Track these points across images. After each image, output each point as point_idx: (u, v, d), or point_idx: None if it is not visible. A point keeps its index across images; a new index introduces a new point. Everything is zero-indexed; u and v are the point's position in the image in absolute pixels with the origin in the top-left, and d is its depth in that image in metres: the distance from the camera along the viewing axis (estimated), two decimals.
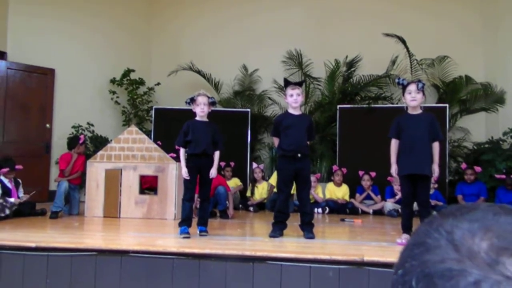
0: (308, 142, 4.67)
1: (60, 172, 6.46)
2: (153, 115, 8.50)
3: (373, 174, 7.23)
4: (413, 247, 0.48)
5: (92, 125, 8.37)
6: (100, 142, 8.12)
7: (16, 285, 3.70)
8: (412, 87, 4.22)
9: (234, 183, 7.48)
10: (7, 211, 5.61)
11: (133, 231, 4.98)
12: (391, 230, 5.17)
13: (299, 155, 4.43)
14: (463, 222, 0.47)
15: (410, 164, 4.21)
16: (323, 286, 3.40)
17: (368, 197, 7.29)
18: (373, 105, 7.98)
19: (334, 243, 4.43)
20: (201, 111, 4.49)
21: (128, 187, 6.01)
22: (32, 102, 7.90)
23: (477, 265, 0.42)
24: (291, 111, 4.57)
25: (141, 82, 8.97)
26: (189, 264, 3.59)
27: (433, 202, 6.17)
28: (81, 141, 6.51)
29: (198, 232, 4.47)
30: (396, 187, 6.69)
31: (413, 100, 4.21)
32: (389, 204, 6.81)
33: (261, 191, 7.52)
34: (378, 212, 6.93)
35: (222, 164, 7.30)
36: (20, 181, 6.20)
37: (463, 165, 7.18)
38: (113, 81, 8.75)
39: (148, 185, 6.59)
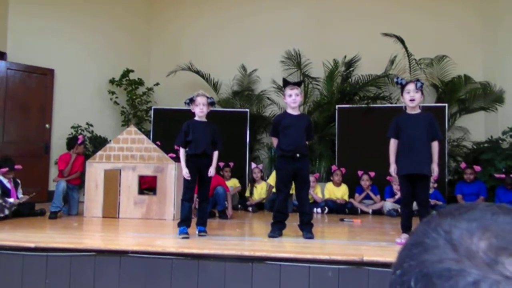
0: (307, 142, 4.67)
1: (59, 173, 6.46)
2: (152, 115, 8.49)
3: (372, 174, 7.23)
4: (411, 247, 0.48)
5: (91, 125, 8.37)
6: (99, 143, 8.12)
7: (15, 285, 3.69)
8: (410, 87, 4.22)
9: (233, 183, 7.48)
10: (6, 212, 5.61)
11: (132, 231, 4.98)
12: (391, 230, 5.17)
13: (298, 155, 4.43)
14: (462, 222, 0.47)
15: (409, 164, 4.21)
16: (322, 286, 3.40)
17: (368, 197, 7.29)
18: (372, 105, 7.98)
19: (333, 243, 4.43)
20: (200, 111, 4.49)
21: (127, 188, 6.00)
22: (31, 102, 7.90)
23: (476, 265, 0.42)
24: (290, 111, 4.57)
25: (140, 82, 8.97)
26: (188, 264, 3.59)
27: (432, 201, 6.17)
28: (79, 141, 6.51)
29: (197, 232, 4.47)
30: (396, 187, 6.69)
31: (412, 99, 4.21)
32: (389, 204, 6.81)
33: (260, 191, 7.51)
34: (378, 212, 6.93)
35: (221, 164, 7.30)
36: (19, 181, 6.20)
37: (463, 165, 7.18)
38: (112, 81, 8.75)
39: (147, 186, 6.59)
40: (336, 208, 7.00)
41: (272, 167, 8.14)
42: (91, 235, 4.88)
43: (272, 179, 7.16)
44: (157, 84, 9.01)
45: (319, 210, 6.96)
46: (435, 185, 6.81)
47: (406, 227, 4.26)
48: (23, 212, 5.86)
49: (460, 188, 7.07)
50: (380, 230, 5.44)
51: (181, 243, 4.03)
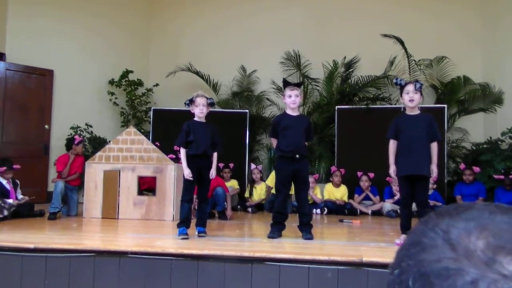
0: (306, 143, 4.67)
1: (58, 174, 6.45)
2: (151, 116, 8.49)
3: (371, 175, 7.24)
4: (409, 247, 0.48)
5: (91, 126, 8.36)
6: (98, 143, 8.12)
7: (14, 286, 3.69)
8: (410, 87, 4.22)
9: (232, 185, 7.47)
10: (6, 212, 5.60)
11: (131, 232, 4.97)
12: (390, 231, 5.17)
13: (297, 156, 4.43)
14: (459, 221, 0.47)
15: (408, 165, 4.21)
16: (321, 287, 3.40)
17: (367, 198, 7.30)
18: (371, 106, 7.99)
19: (333, 243, 4.43)
20: (200, 112, 4.48)
21: (127, 188, 6.00)
22: (31, 103, 7.90)
23: (474, 264, 0.42)
24: (289, 112, 4.57)
25: (139, 83, 8.97)
26: (188, 265, 3.59)
27: (431, 202, 6.17)
28: (76, 142, 6.49)
29: (196, 233, 4.46)
30: (395, 188, 6.69)
31: (411, 100, 4.21)
32: (388, 205, 6.82)
33: (259, 192, 7.51)
34: (377, 213, 6.93)
35: (221, 165, 7.30)
36: (18, 182, 6.19)
37: (462, 166, 7.18)
38: (111, 82, 8.75)
39: (147, 186, 6.58)
40: (336, 209, 7.00)
41: (271, 168, 8.14)
42: (91, 236, 4.88)
43: (270, 180, 7.17)
44: (157, 85, 9.01)
45: (318, 211, 6.96)
46: (435, 186, 6.81)
47: (405, 228, 4.26)
48: (22, 213, 5.85)
49: (459, 189, 7.08)
50: (380, 231, 5.44)
51: (180, 244, 4.03)
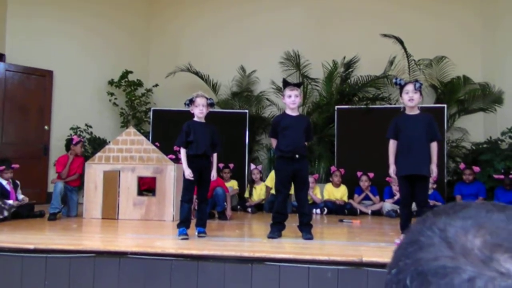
0: (306, 143, 4.67)
1: (58, 175, 6.45)
2: (151, 117, 8.49)
3: (371, 174, 7.24)
4: (406, 246, 0.48)
5: (91, 126, 8.36)
6: (98, 144, 8.12)
7: (14, 286, 3.69)
8: (409, 87, 4.22)
9: (232, 185, 7.47)
10: (6, 213, 5.60)
11: (131, 232, 4.97)
12: (390, 231, 5.17)
13: (297, 156, 4.43)
14: (456, 220, 0.47)
15: (408, 165, 4.21)
16: (321, 287, 3.40)
17: (367, 198, 7.30)
18: (371, 106, 7.99)
19: (333, 243, 4.43)
20: (200, 112, 4.48)
21: (126, 189, 6.00)
22: (30, 103, 7.90)
23: (471, 262, 0.42)
24: (289, 112, 4.57)
25: (139, 83, 8.97)
26: (188, 265, 3.59)
27: (431, 202, 6.17)
28: (74, 142, 6.49)
29: (196, 233, 4.46)
30: (395, 188, 6.69)
31: (411, 99, 4.21)
32: (388, 205, 6.82)
33: (259, 192, 7.51)
34: (377, 213, 6.93)
35: (221, 165, 7.30)
36: (18, 182, 6.19)
37: (462, 165, 7.18)
38: (111, 82, 8.75)
39: (146, 187, 6.58)
40: (335, 209, 7.00)
41: (271, 168, 8.14)
42: (91, 237, 4.88)
43: (269, 181, 7.17)
44: (156, 85, 9.01)
45: (318, 211, 6.96)
46: (434, 185, 6.81)
47: (405, 228, 4.25)
48: (22, 213, 5.85)
49: (459, 188, 7.07)
50: (379, 231, 5.44)
51: (180, 244, 4.03)
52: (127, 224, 5.60)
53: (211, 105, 4.62)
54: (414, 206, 4.53)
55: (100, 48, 8.78)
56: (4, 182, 5.96)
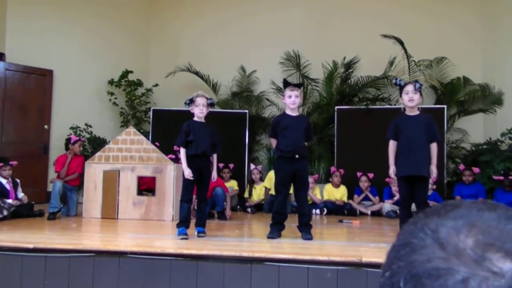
0: (306, 143, 4.67)
1: (57, 175, 6.45)
2: (151, 116, 8.49)
3: (371, 175, 7.24)
4: (399, 248, 0.49)
5: (90, 126, 8.36)
6: (98, 143, 8.12)
7: (14, 286, 3.69)
8: (409, 88, 4.23)
9: (231, 185, 7.47)
10: (5, 212, 5.60)
11: (131, 232, 4.98)
12: (389, 231, 5.17)
13: (297, 156, 4.43)
14: (448, 220, 0.47)
15: (408, 165, 4.21)
16: (321, 287, 3.40)
17: (366, 198, 7.29)
18: (371, 106, 7.98)
19: (332, 244, 4.43)
20: (200, 112, 4.48)
21: (126, 188, 6.00)
22: (30, 103, 7.90)
23: (464, 263, 0.43)
24: (289, 112, 4.57)
25: (139, 83, 8.97)
26: (187, 265, 3.59)
27: (431, 203, 6.16)
28: (72, 141, 6.49)
29: (196, 233, 4.46)
30: (394, 188, 6.69)
31: (411, 100, 4.21)
32: (387, 205, 6.82)
33: (259, 192, 7.51)
34: (376, 213, 6.93)
35: (221, 165, 7.30)
36: (18, 181, 6.19)
37: (461, 166, 7.18)
38: (111, 82, 8.75)
39: (146, 186, 6.58)
40: (335, 209, 7.00)
41: (271, 168, 8.14)
42: (90, 236, 4.88)
43: (267, 182, 7.17)
44: (156, 85, 9.01)
45: (318, 211, 6.96)
46: (434, 186, 6.81)
47: None
48: (21, 213, 5.85)
49: (458, 189, 7.07)
50: (379, 231, 5.44)
51: (180, 244, 4.03)
52: (127, 223, 5.60)
53: (211, 105, 4.63)
54: (413, 206, 4.53)
55: (100, 48, 8.78)
56: (4, 181, 5.95)
